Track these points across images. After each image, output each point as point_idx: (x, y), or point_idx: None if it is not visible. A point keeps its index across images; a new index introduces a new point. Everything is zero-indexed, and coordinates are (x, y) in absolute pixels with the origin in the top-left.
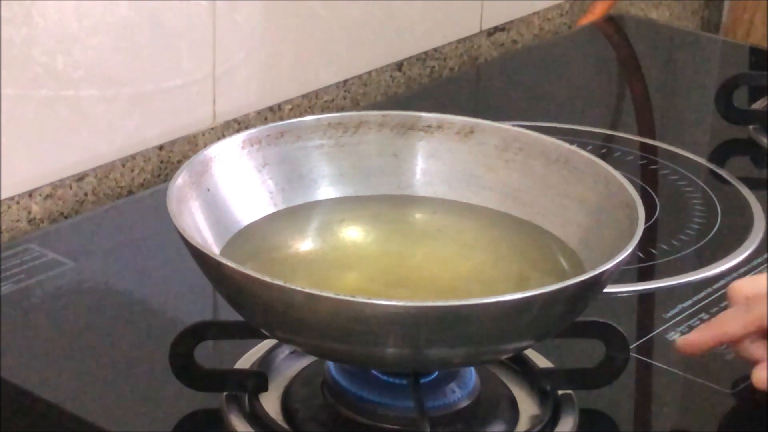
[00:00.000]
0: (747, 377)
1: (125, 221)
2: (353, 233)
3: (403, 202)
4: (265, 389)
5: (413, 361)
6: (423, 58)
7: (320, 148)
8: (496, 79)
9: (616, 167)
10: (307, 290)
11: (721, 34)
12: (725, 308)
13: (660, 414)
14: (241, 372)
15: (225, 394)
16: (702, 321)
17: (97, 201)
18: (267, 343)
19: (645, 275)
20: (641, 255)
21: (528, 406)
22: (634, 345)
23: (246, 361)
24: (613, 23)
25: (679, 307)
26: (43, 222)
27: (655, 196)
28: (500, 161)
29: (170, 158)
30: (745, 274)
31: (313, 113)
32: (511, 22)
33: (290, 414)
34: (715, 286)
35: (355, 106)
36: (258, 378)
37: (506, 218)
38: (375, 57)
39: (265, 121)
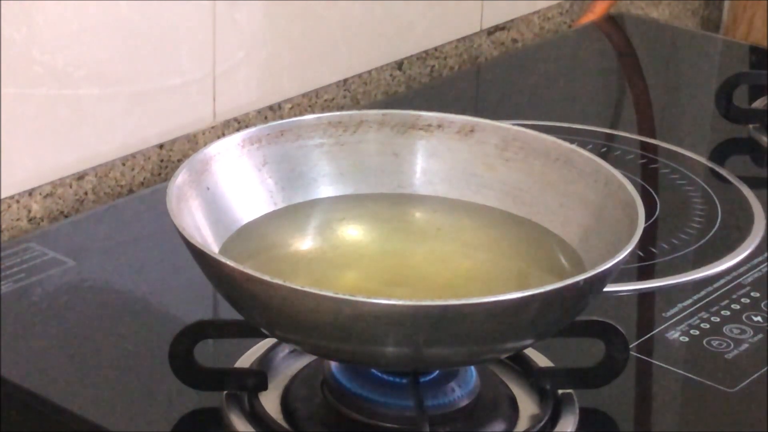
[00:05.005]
0: (747, 377)
1: (125, 220)
2: (353, 232)
3: (403, 200)
4: (265, 388)
5: (413, 359)
6: (423, 57)
7: (320, 146)
8: (496, 79)
9: (616, 166)
10: (306, 289)
11: (721, 33)
12: (725, 307)
13: (660, 413)
14: (241, 371)
15: (225, 393)
16: (702, 320)
17: (97, 200)
18: (267, 342)
19: (645, 274)
20: (641, 254)
21: (528, 405)
22: (634, 344)
23: (246, 360)
24: (613, 22)
25: (680, 306)
26: (43, 221)
27: (655, 195)
28: (500, 160)
29: (170, 157)
30: (745, 273)
31: (313, 112)
32: (512, 21)
33: (290, 413)
34: (715, 285)
35: (355, 104)
36: (258, 377)
37: (506, 217)
38: (375, 56)
39: (265, 120)
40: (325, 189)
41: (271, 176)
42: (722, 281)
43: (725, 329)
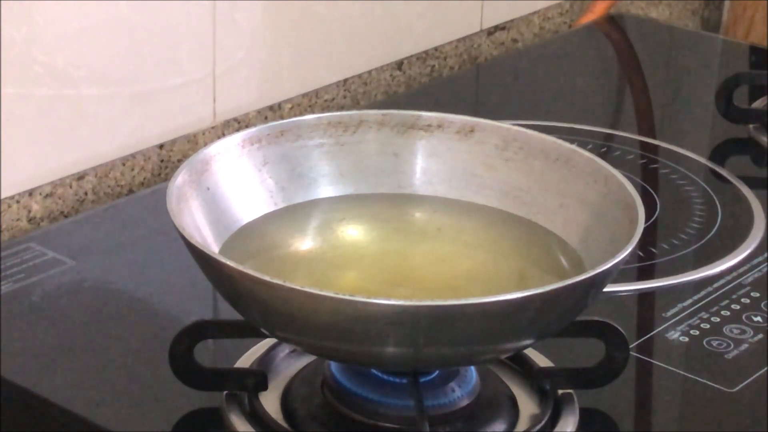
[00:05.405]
0: (747, 377)
1: (125, 220)
2: (353, 232)
3: (403, 201)
4: (265, 388)
5: (413, 360)
6: (423, 57)
7: (320, 147)
8: (496, 79)
9: (616, 166)
10: (306, 289)
11: (721, 33)
12: (725, 307)
13: (660, 414)
14: (241, 371)
15: (225, 393)
16: (702, 320)
17: (97, 200)
18: (267, 342)
19: (645, 274)
20: (641, 254)
21: (528, 406)
22: (634, 344)
23: (246, 360)
24: (613, 22)
25: (679, 306)
26: (43, 221)
27: (655, 195)
28: (500, 160)
29: (170, 157)
30: (745, 273)
31: (313, 112)
32: (512, 21)
33: (290, 413)
34: (715, 285)
35: (355, 105)
36: (258, 377)
37: (506, 217)
38: (375, 56)
39: (265, 120)
40: (325, 189)
41: (271, 176)
42: (722, 281)
43: (725, 329)
